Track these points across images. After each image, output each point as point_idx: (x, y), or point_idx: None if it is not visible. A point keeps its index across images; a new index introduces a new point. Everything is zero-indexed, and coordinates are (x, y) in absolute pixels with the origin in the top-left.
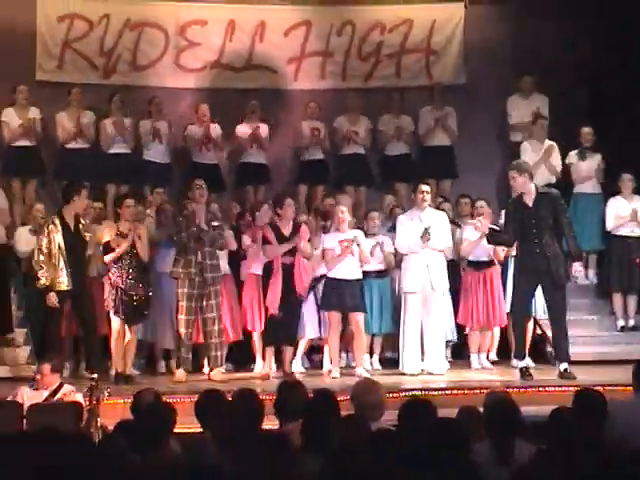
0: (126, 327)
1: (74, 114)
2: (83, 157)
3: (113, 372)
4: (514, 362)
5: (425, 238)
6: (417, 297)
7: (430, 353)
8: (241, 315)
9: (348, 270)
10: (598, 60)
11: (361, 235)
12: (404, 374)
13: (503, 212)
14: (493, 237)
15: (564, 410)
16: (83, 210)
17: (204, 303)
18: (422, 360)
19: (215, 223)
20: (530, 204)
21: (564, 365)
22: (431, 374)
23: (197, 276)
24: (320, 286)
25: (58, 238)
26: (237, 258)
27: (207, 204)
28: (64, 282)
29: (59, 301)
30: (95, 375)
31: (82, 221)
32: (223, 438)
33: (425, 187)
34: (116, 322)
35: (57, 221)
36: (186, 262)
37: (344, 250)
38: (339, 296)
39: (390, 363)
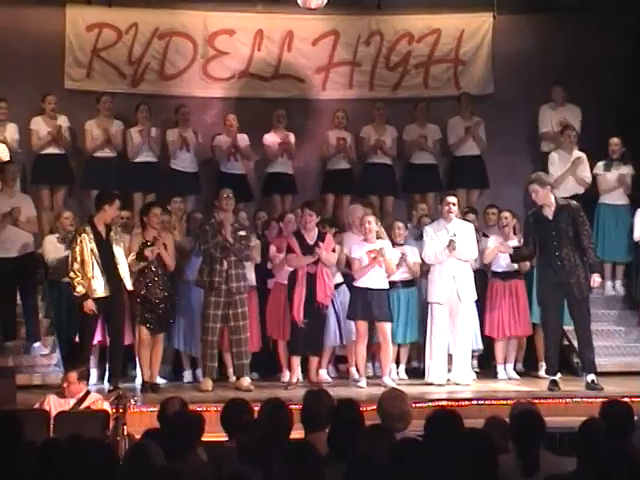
0: (152, 336)
1: (102, 123)
2: (110, 166)
3: (140, 381)
4: (542, 372)
5: (451, 247)
6: (444, 308)
7: (457, 364)
8: (266, 324)
9: (375, 280)
10: (628, 70)
11: (388, 245)
12: (430, 384)
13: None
14: (515, 255)
15: (594, 422)
16: (112, 219)
17: (230, 312)
18: (449, 370)
19: (242, 233)
20: (550, 217)
21: (591, 376)
22: (457, 384)
23: (223, 285)
24: (338, 294)
25: (91, 246)
26: (263, 269)
27: (234, 213)
28: (98, 289)
29: (98, 308)
30: (118, 387)
31: (113, 229)
32: (249, 448)
33: (452, 199)
34: (142, 331)
35: (88, 229)
36: (212, 271)
37: (372, 261)
38: (366, 306)
39: (416, 373)
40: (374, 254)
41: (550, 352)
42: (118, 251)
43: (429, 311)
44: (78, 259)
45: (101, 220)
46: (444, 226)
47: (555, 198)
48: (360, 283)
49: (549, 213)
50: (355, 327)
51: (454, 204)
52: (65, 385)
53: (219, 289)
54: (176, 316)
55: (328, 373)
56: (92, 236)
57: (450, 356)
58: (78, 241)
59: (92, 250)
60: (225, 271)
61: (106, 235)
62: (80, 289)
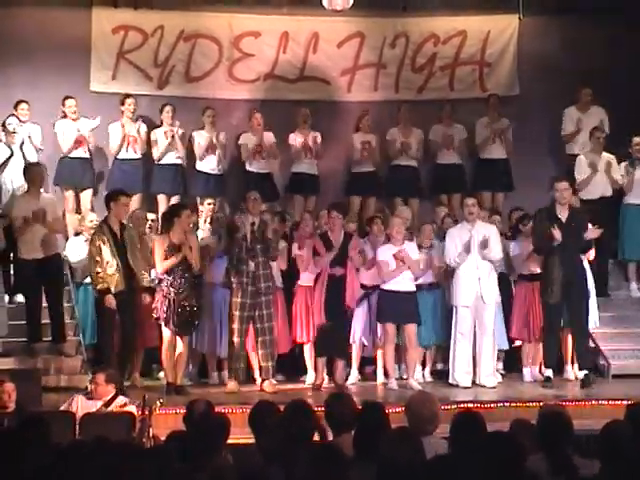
0: (177, 338)
1: (127, 125)
2: (135, 168)
3: (165, 382)
4: (567, 374)
5: (483, 245)
6: (468, 310)
7: (482, 366)
8: (292, 326)
9: (402, 282)
10: None
11: (414, 248)
12: (455, 386)
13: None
14: (539, 248)
15: (616, 424)
16: (135, 219)
17: (256, 313)
18: (474, 373)
19: (269, 233)
20: (563, 218)
21: (585, 372)
22: (483, 387)
23: (250, 286)
24: (374, 296)
25: (106, 245)
26: (290, 271)
27: (260, 214)
28: (116, 286)
29: (114, 306)
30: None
31: (127, 228)
32: (275, 449)
33: (471, 200)
34: (167, 333)
35: (104, 228)
36: (238, 272)
37: (399, 263)
38: (394, 308)
39: (441, 375)
40: (401, 255)
41: (549, 346)
42: (131, 249)
43: (454, 314)
44: (97, 257)
45: (113, 219)
46: (467, 229)
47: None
48: (388, 286)
49: (563, 214)
50: (383, 329)
51: (474, 205)
52: (93, 387)
53: (246, 290)
54: (202, 319)
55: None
56: (108, 235)
57: (474, 358)
58: (95, 240)
59: (108, 248)
60: (252, 272)
61: (121, 234)
62: (101, 285)
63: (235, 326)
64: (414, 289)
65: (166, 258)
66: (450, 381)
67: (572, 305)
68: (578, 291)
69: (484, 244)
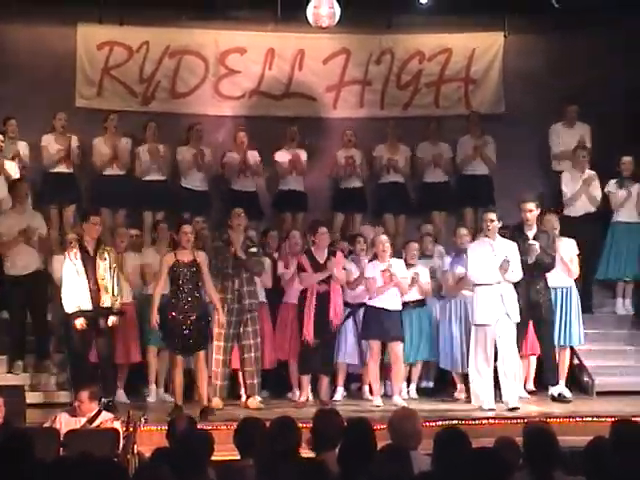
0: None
1: (111, 140)
2: (119, 184)
3: (153, 399)
4: (552, 391)
5: (504, 269)
6: (491, 329)
7: (507, 387)
8: (276, 344)
9: (389, 300)
10: (638, 88)
11: (401, 265)
12: (446, 401)
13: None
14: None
15: (600, 441)
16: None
17: (242, 330)
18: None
19: (253, 250)
20: (530, 236)
21: (557, 389)
22: (511, 409)
23: (235, 303)
24: (360, 313)
25: (78, 263)
26: (275, 288)
27: (245, 231)
28: (84, 305)
29: (88, 323)
30: (110, 399)
31: (104, 246)
32: (262, 466)
33: (491, 215)
34: (174, 357)
35: (75, 247)
36: (223, 288)
37: (386, 280)
38: (379, 325)
39: (426, 392)
40: (388, 273)
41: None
42: (104, 267)
43: (473, 333)
44: (68, 276)
45: (87, 238)
46: (489, 243)
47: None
48: (374, 303)
49: (530, 233)
50: (368, 346)
51: (492, 220)
52: (77, 404)
53: (231, 307)
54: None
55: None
56: (79, 254)
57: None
58: (66, 259)
59: (79, 267)
60: (237, 289)
61: (94, 252)
62: (69, 307)
63: (220, 344)
64: (400, 308)
65: (170, 275)
66: (473, 403)
67: (538, 324)
68: (542, 310)
69: (506, 265)
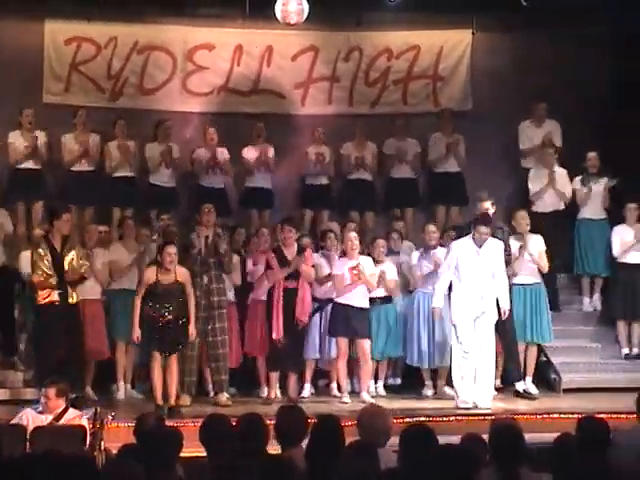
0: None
1: (80, 137)
2: (88, 180)
3: (121, 397)
4: (518, 387)
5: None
6: (471, 327)
7: (481, 386)
8: (244, 341)
9: (356, 297)
10: (606, 85)
11: (369, 262)
12: (415, 399)
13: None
14: None
15: (567, 437)
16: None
17: (209, 326)
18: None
19: (222, 247)
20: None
21: (521, 384)
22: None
23: (203, 299)
24: (328, 309)
25: (45, 258)
26: (242, 285)
27: (214, 227)
28: (53, 300)
29: (53, 319)
30: (77, 396)
31: (69, 244)
32: (227, 463)
33: (430, 227)
34: (154, 355)
35: (43, 243)
36: (193, 286)
37: (354, 278)
38: (347, 322)
39: (393, 389)
40: (356, 270)
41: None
42: (69, 263)
43: (454, 331)
44: (38, 271)
45: (54, 234)
46: (475, 250)
47: None
48: (341, 300)
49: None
50: (336, 343)
51: (434, 233)
52: (44, 401)
53: (199, 303)
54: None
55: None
56: (47, 250)
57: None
58: (34, 254)
59: (46, 262)
60: (206, 285)
61: (61, 247)
62: (40, 299)
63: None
64: (367, 306)
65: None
66: (459, 404)
67: (498, 321)
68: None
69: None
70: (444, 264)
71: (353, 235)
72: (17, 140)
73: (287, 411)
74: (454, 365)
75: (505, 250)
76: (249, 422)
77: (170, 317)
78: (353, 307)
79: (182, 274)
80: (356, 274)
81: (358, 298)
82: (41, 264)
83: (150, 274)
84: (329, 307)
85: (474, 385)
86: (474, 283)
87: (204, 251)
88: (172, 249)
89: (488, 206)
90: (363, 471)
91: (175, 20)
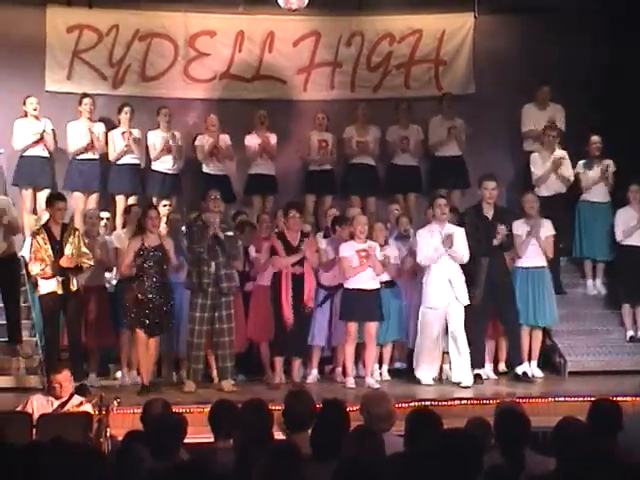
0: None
1: (85, 125)
2: (93, 168)
3: (128, 381)
4: (518, 370)
5: (447, 243)
6: (438, 311)
7: (458, 365)
8: (248, 326)
9: (366, 281)
10: (609, 70)
11: (377, 247)
12: (417, 383)
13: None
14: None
15: (570, 421)
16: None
17: (216, 314)
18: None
19: (229, 233)
20: (489, 217)
21: (522, 368)
22: (460, 385)
23: (211, 286)
24: (336, 297)
25: (45, 247)
26: (241, 272)
27: (220, 214)
28: (52, 287)
29: (55, 306)
30: (81, 383)
31: (68, 231)
32: (235, 447)
33: (442, 200)
34: (138, 333)
35: (42, 230)
36: (200, 273)
37: (362, 260)
38: (359, 306)
39: (399, 374)
40: (364, 253)
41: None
42: (69, 251)
43: (421, 314)
44: (38, 258)
45: (51, 221)
46: (437, 230)
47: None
48: (351, 284)
49: (489, 212)
50: (345, 328)
51: (446, 205)
52: (56, 385)
53: (207, 291)
54: (173, 320)
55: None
56: (46, 237)
57: (444, 356)
58: (34, 242)
59: (46, 250)
60: (214, 273)
61: (60, 235)
62: (40, 288)
63: (195, 327)
64: (378, 286)
65: (135, 260)
66: (416, 380)
67: (501, 305)
68: (504, 291)
69: (449, 241)
70: (419, 254)
71: (363, 219)
72: (22, 129)
73: (295, 396)
74: (418, 346)
75: (508, 231)
76: (252, 408)
77: (158, 299)
78: (364, 290)
79: (167, 241)
80: (364, 256)
81: (368, 281)
82: (41, 253)
83: (135, 241)
84: (338, 294)
85: (438, 365)
86: (441, 267)
87: (210, 238)
88: (154, 212)
89: (494, 185)
90: (368, 456)
91: (176, 7)
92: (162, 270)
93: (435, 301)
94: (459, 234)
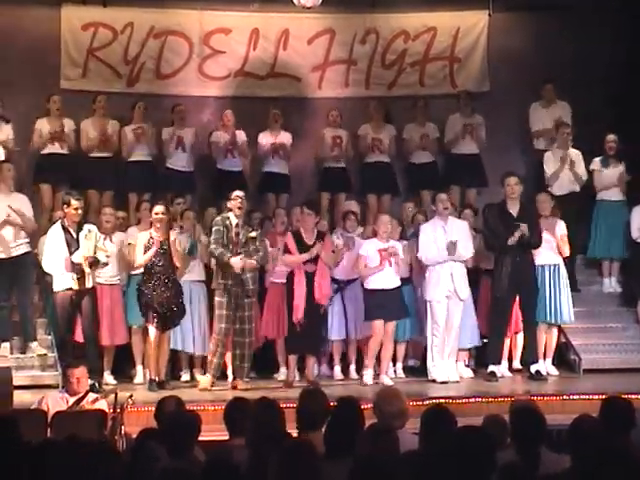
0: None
1: (99, 123)
2: (106, 166)
3: (141, 379)
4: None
5: (451, 251)
6: (443, 305)
7: (453, 360)
8: (262, 323)
9: (388, 279)
10: (623, 67)
11: (400, 247)
12: (432, 382)
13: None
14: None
15: (585, 418)
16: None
17: (238, 314)
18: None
19: (253, 234)
20: (514, 213)
21: (535, 366)
22: (457, 382)
23: (236, 287)
24: (348, 289)
25: (61, 244)
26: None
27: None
28: (69, 285)
29: (70, 303)
30: (95, 381)
31: (84, 229)
32: (250, 446)
33: (443, 196)
34: (152, 331)
35: (59, 228)
36: (225, 274)
37: (383, 260)
38: (383, 306)
39: (413, 371)
40: (385, 253)
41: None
42: (84, 249)
43: (429, 309)
44: (53, 255)
45: (68, 220)
46: (440, 225)
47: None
48: (372, 285)
49: (513, 209)
50: (372, 326)
51: (448, 200)
52: (74, 381)
53: (230, 291)
54: (181, 318)
55: (324, 372)
56: (63, 235)
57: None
58: (49, 240)
59: (62, 248)
60: (239, 275)
61: (77, 233)
62: (55, 285)
63: (222, 325)
64: (399, 284)
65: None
66: (428, 376)
67: (522, 301)
68: (528, 286)
69: (452, 249)
70: (421, 250)
71: (387, 218)
72: (43, 127)
73: (309, 394)
74: (429, 342)
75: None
76: (263, 407)
77: (166, 295)
78: (386, 290)
79: (172, 236)
80: (386, 255)
81: (389, 279)
82: (56, 250)
83: (144, 236)
84: (349, 288)
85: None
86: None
87: (235, 239)
88: (160, 208)
89: (517, 181)
90: (382, 454)
91: (190, 4)
92: (169, 265)
93: (437, 295)
94: (462, 229)
